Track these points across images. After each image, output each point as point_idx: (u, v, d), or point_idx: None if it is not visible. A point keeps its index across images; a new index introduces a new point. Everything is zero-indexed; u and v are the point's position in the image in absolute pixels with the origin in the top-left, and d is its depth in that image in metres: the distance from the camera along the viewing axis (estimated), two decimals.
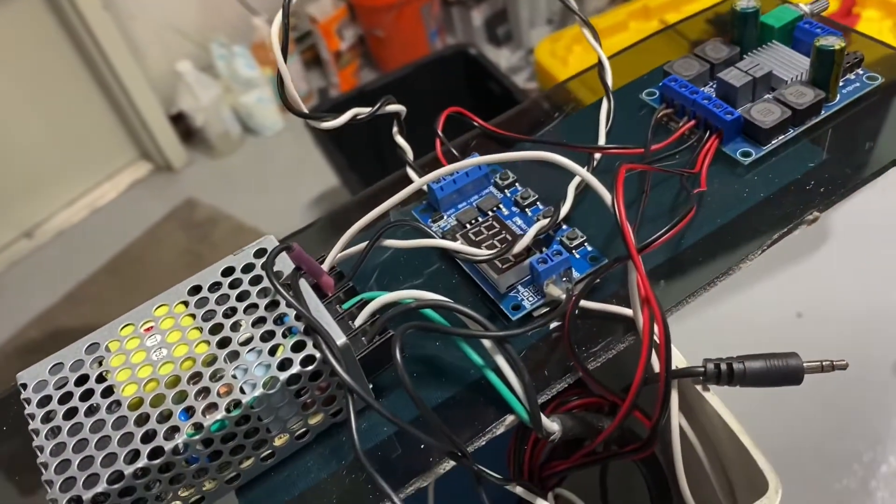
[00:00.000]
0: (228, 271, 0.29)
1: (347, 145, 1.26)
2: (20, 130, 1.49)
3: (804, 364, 0.29)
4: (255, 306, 0.27)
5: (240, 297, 0.28)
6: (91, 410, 0.25)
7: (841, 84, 0.36)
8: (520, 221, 0.34)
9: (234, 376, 0.25)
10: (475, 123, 0.40)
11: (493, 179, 0.36)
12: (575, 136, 0.39)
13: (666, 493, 0.36)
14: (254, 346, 0.26)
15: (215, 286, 0.28)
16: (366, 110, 0.34)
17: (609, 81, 0.38)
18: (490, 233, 0.32)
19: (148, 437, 0.24)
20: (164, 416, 0.25)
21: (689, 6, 1.22)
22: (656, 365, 0.28)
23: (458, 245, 0.32)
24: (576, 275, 0.31)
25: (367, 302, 0.28)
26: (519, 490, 0.31)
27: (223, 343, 0.26)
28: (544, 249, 0.31)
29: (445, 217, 0.35)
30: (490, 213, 0.34)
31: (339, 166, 1.23)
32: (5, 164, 1.49)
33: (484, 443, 0.28)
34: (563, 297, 0.29)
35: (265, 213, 1.53)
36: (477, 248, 0.32)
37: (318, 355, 0.26)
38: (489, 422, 0.28)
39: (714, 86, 0.37)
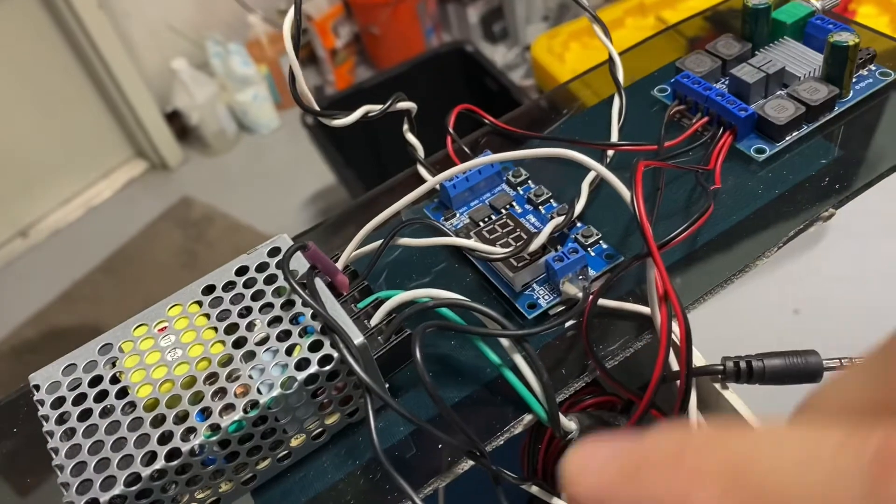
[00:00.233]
0: (242, 270, 0.28)
1: (344, 143, 1.26)
2: (14, 129, 1.48)
3: (823, 361, 0.29)
4: (270, 306, 0.27)
5: (255, 297, 0.27)
6: (106, 412, 0.25)
7: (854, 80, 0.36)
8: (533, 219, 0.34)
9: (250, 377, 0.25)
10: (485, 121, 0.40)
11: (506, 177, 0.36)
12: (585, 134, 0.39)
13: None
14: (270, 345, 0.26)
15: (229, 286, 0.28)
16: (377, 107, 0.33)
17: (620, 78, 0.38)
18: (504, 230, 0.32)
19: (165, 439, 0.24)
20: (181, 418, 0.25)
21: (686, 3, 1.23)
22: (672, 363, 0.28)
23: (473, 243, 0.31)
24: (591, 273, 0.31)
25: (382, 301, 0.28)
26: (534, 489, 0.31)
27: (239, 343, 0.26)
28: (559, 247, 0.31)
29: (458, 215, 0.35)
30: (504, 211, 0.34)
31: (335, 164, 1.23)
32: (0, 163, 1.48)
33: (502, 442, 0.28)
34: (580, 295, 0.29)
35: (261, 212, 1.52)
36: (492, 246, 0.31)
37: (335, 355, 0.25)
38: (507, 421, 0.28)
39: (726, 82, 0.37)
